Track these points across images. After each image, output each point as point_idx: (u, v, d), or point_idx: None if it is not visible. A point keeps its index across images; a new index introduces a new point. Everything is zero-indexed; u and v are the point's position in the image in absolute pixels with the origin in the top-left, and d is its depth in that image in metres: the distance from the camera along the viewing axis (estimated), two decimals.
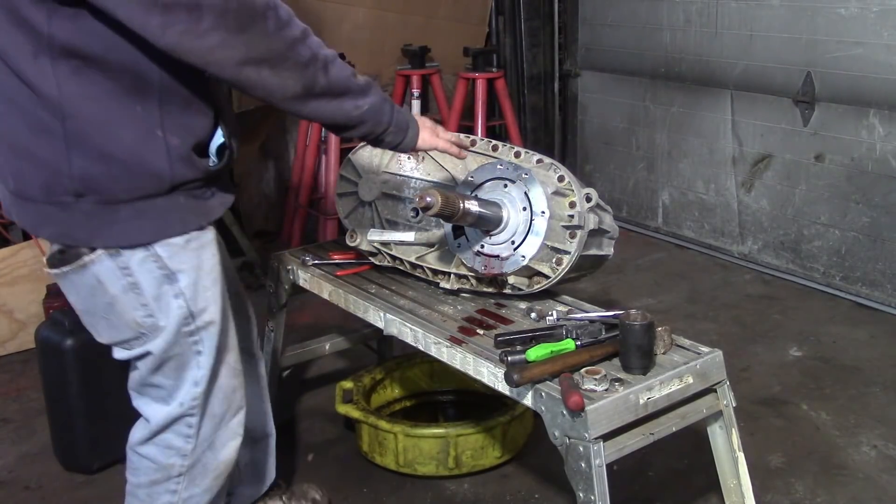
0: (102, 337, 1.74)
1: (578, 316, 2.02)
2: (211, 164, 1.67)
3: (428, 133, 1.88)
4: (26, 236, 3.50)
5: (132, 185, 1.56)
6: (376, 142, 1.80)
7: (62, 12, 1.44)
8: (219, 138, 1.69)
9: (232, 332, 1.82)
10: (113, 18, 1.42)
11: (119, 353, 1.75)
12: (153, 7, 1.39)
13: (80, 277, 1.64)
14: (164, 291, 1.65)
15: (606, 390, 1.72)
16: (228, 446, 1.85)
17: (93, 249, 1.60)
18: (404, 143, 1.83)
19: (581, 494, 1.69)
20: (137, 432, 1.82)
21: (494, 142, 2.21)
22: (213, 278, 1.72)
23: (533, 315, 2.07)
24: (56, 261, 1.65)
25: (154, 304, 1.65)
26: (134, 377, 1.78)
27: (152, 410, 1.77)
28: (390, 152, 2.35)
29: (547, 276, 2.06)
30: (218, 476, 1.86)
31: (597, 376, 1.73)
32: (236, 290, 2.10)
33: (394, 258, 2.33)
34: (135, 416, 1.82)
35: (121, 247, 1.60)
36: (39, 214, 1.60)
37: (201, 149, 1.65)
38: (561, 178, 2.05)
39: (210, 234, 1.72)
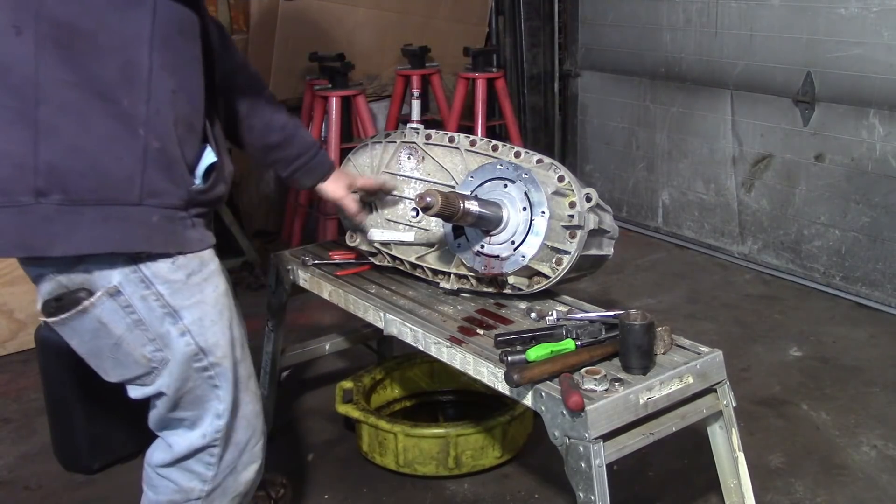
0: (111, 377, 1.67)
1: (578, 316, 2.02)
2: (195, 184, 1.58)
3: None
4: None
5: (99, 183, 1.46)
6: None
7: None
8: (209, 157, 1.61)
9: (250, 358, 1.77)
10: None
11: (134, 392, 1.68)
12: None
13: (80, 323, 1.57)
14: (167, 330, 1.59)
15: (606, 390, 1.72)
16: (249, 469, 1.80)
17: (91, 293, 1.54)
18: None
19: (581, 494, 1.69)
20: (158, 454, 1.76)
21: (494, 142, 2.21)
22: (218, 311, 1.65)
23: (533, 315, 2.07)
24: (52, 309, 1.57)
25: (161, 340, 1.60)
26: (154, 415, 1.72)
27: (175, 438, 1.73)
28: (390, 152, 2.35)
29: (547, 276, 2.06)
30: (237, 496, 1.81)
31: (597, 376, 1.73)
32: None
33: (394, 258, 2.33)
34: (142, 426, 1.80)
35: (83, 254, 1.50)
36: None
37: (189, 167, 1.57)
38: (561, 178, 2.05)
39: (212, 266, 1.65)
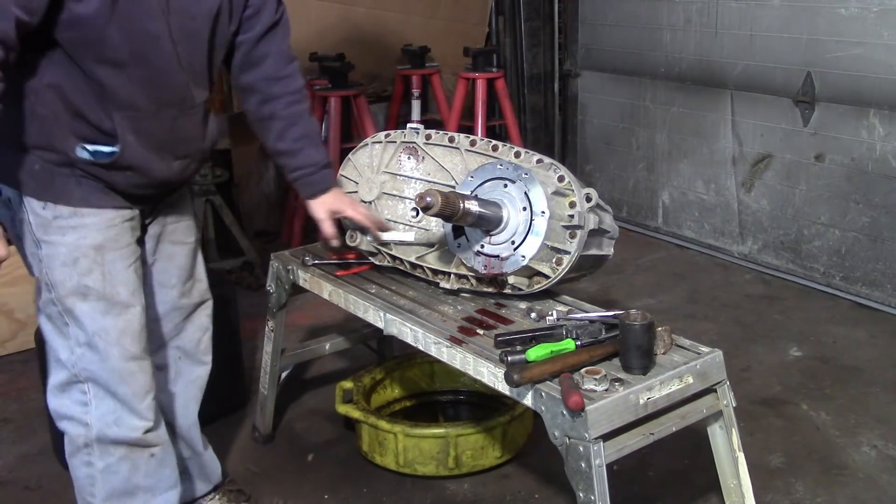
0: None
1: (578, 316, 2.02)
2: (78, 153, 1.77)
3: None
4: None
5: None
6: None
7: None
8: (107, 148, 1.78)
9: (127, 317, 1.89)
10: None
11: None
12: None
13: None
14: (35, 252, 1.86)
15: (606, 390, 1.72)
16: (137, 426, 1.93)
17: None
18: None
19: (581, 494, 1.69)
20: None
21: (494, 142, 2.21)
22: (73, 257, 1.83)
23: (533, 315, 2.07)
24: None
25: (32, 257, 1.88)
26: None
27: (53, 375, 1.94)
28: (390, 152, 2.36)
29: (547, 276, 2.06)
30: (131, 446, 1.95)
31: (597, 376, 1.73)
32: (180, 290, 2.15)
33: (394, 258, 2.33)
34: None
35: None
36: None
37: (77, 138, 1.77)
38: (561, 178, 2.05)
39: (88, 220, 1.83)
